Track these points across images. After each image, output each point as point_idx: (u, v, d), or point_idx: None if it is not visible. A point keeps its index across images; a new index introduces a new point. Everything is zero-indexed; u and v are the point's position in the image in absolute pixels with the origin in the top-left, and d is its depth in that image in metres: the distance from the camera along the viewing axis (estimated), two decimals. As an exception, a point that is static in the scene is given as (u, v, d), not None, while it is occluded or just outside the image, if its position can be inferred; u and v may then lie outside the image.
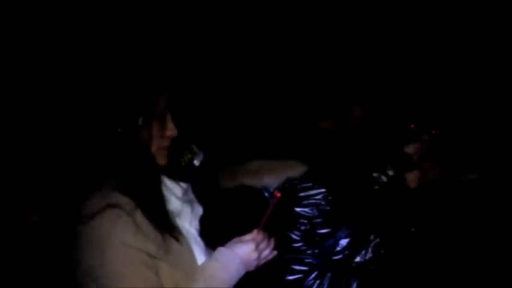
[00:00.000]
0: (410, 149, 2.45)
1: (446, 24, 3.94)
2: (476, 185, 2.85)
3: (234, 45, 3.56)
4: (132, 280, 1.48)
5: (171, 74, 1.75)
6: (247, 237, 1.68)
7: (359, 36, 3.77)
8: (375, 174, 2.40)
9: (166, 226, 1.60)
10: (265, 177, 2.33)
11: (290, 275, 2.34)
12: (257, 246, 1.67)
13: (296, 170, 2.33)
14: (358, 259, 2.30)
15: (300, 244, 2.33)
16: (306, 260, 2.34)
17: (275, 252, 1.76)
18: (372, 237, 2.29)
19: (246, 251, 1.65)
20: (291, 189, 2.29)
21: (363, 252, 2.29)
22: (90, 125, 1.64)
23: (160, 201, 1.63)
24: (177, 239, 1.61)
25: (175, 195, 1.71)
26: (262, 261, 1.72)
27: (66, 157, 1.69)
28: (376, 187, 2.39)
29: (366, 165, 2.50)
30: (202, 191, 1.82)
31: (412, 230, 2.41)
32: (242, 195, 2.28)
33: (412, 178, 2.42)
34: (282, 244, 1.95)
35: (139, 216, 1.54)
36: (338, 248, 2.28)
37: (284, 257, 2.30)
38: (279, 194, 1.70)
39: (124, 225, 1.50)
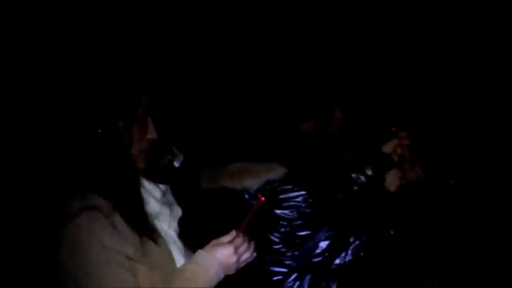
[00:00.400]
0: (388, 148, 2.47)
1: (427, 27, 3.99)
2: (455, 188, 2.89)
3: (214, 47, 3.57)
4: (109, 282, 1.50)
5: (152, 77, 1.78)
6: (226, 239, 1.68)
7: (339, 38, 3.80)
8: (353, 175, 2.42)
9: (144, 228, 1.62)
10: (245, 179, 2.36)
11: (270, 277, 2.37)
12: (236, 249, 1.67)
13: (276, 172, 2.36)
14: (337, 261, 2.32)
15: (279, 246, 2.35)
16: (286, 262, 2.36)
17: (255, 255, 1.77)
18: (351, 239, 2.32)
19: (225, 254, 1.66)
20: (271, 192, 2.31)
21: (343, 255, 2.32)
22: (70, 127, 1.66)
23: (138, 204, 1.66)
24: (155, 241, 1.63)
25: (154, 197, 1.73)
26: (242, 265, 1.72)
27: (47, 159, 1.71)
28: (355, 188, 2.41)
29: (346, 167, 2.52)
30: (182, 192, 1.84)
31: (391, 232, 2.43)
32: (223, 197, 2.30)
33: (391, 180, 2.44)
34: (262, 246, 1.97)
35: (118, 219, 1.57)
36: (318, 251, 2.31)
37: (264, 258, 2.32)
38: (263, 198, 1.72)
39: (102, 227, 1.53)
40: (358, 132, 2.70)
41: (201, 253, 1.66)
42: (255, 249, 1.75)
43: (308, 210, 2.33)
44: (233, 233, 1.69)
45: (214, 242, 1.69)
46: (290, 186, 2.34)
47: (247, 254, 1.72)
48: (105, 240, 1.52)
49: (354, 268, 2.35)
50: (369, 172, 2.41)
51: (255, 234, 1.75)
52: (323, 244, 2.31)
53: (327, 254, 2.31)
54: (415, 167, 2.58)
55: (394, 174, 2.45)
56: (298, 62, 3.26)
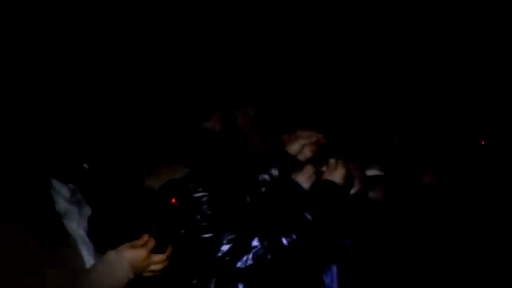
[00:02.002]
0: (292, 150, 2.55)
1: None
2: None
3: (111, 45, 3.47)
4: (12, 282, 1.50)
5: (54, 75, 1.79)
6: (140, 242, 1.73)
7: (243, 34, 3.81)
8: (260, 176, 2.45)
9: (51, 227, 1.64)
10: (146, 179, 2.36)
11: (174, 279, 2.36)
12: (149, 252, 1.73)
13: (179, 172, 2.38)
14: (239, 265, 2.36)
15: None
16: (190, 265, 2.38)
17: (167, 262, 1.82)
18: (254, 243, 2.37)
19: (137, 257, 1.70)
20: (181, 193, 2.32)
21: (244, 259, 2.36)
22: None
23: (46, 202, 1.67)
24: (63, 240, 1.65)
25: (62, 196, 1.75)
26: (156, 267, 1.78)
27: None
28: (263, 189, 2.45)
29: (251, 167, 2.54)
30: (91, 192, 1.84)
31: (294, 237, 2.47)
32: (128, 197, 2.29)
33: (304, 178, 2.49)
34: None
35: (25, 217, 1.57)
36: (219, 254, 2.34)
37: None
38: (178, 203, 1.75)
39: (7, 226, 1.53)
40: (269, 130, 2.70)
41: (111, 254, 1.69)
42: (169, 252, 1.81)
43: (210, 212, 2.35)
44: (145, 236, 1.75)
45: (127, 244, 1.73)
46: (193, 187, 2.36)
47: (160, 257, 1.78)
48: (11, 239, 1.52)
49: (256, 272, 2.39)
50: (275, 173, 2.45)
51: (167, 236, 1.78)
52: (225, 247, 2.34)
53: (228, 258, 2.35)
54: (339, 167, 2.56)
55: (307, 172, 2.50)
56: (202, 57, 3.25)
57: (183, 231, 2.36)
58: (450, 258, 3.07)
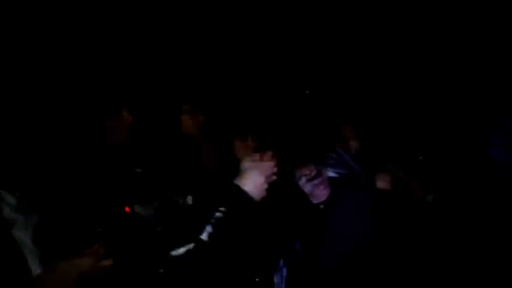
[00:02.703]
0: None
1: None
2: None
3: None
4: None
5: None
6: (90, 251, 1.74)
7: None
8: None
9: None
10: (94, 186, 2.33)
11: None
12: (99, 260, 1.74)
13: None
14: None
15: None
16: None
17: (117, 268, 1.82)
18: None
19: (87, 266, 1.72)
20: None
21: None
22: None
23: None
24: (9, 248, 1.65)
25: (8, 204, 1.75)
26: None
27: None
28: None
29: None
30: (43, 199, 1.83)
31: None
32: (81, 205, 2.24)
33: None
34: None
35: None
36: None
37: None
38: (130, 211, 1.77)
39: None
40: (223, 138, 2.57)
41: (61, 263, 1.71)
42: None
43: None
44: (96, 246, 1.76)
45: (77, 252, 1.73)
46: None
47: (108, 261, 1.77)
48: None
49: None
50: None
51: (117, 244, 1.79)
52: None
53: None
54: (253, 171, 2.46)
55: None
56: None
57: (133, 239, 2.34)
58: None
